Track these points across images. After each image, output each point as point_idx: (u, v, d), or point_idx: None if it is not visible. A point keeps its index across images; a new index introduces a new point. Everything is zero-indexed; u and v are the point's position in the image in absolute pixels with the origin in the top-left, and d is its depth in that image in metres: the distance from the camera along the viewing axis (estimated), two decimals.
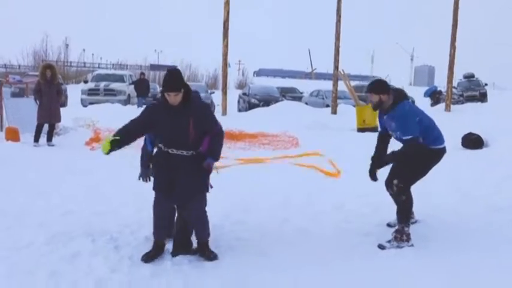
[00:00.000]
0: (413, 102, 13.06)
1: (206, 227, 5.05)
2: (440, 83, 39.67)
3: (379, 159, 5.82)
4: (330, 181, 8.61)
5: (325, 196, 7.52)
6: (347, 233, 5.88)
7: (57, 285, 4.30)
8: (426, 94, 30.63)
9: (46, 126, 12.26)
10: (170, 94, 4.66)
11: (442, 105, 24.46)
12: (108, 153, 4.74)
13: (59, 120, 12.55)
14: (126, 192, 7.46)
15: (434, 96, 29.51)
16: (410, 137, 5.39)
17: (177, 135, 4.78)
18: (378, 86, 5.65)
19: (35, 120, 12.15)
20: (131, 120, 4.91)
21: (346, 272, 4.74)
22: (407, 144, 5.45)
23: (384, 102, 5.59)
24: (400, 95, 5.65)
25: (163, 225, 5.06)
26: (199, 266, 4.84)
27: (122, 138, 4.77)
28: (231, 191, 7.34)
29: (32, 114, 12.45)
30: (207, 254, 5.01)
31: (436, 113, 18.90)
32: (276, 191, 7.75)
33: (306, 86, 38.66)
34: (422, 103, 24.70)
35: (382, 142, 5.94)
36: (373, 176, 5.82)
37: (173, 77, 4.68)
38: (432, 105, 27.77)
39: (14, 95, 16.42)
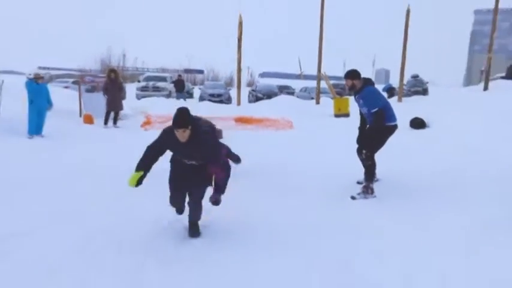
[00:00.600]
0: None
1: (199, 212, 4.31)
2: (394, 81, 39.38)
3: (362, 128, 5.86)
4: (315, 148, 8.59)
5: (317, 164, 7.60)
6: (329, 188, 5.97)
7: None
8: (384, 90, 30.34)
9: (112, 114, 12.30)
10: (178, 130, 3.87)
11: (395, 98, 24.26)
12: (136, 186, 3.99)
13: (122, 109, 12.56)
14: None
15: (390, 91, 29.27)
16: (376, 109, 5.40)
17: (189, 156, 4.12)
18: (352, 73, 5.63)
19: (104, 109, 12.20)
20: (148, 148, 4.12)
21: (330, 215, 4.83)
22: (375, 117, 5.41)
23: (356, 85, 5.58)
24: (367, 81, 5.64)
25: (176, 203, 4.44)
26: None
27: (145, 172, 4.05)
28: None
29: (101, 105, 12.49)
30: (193, 230, 4.24)
31: (391, 104, 18.83)
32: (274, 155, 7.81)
33: (297, 84, 38.33)
34: None
35: (362, 117, 5.92)
36: (358, 141, 5.86)
37: (181, 115, 3.91)
38: (388, 97, 27.48)
39: (87, 91, 16.43)
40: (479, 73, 37.00)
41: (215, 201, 3.93)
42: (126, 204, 4.97)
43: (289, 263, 3.62)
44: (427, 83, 32.14)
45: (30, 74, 9.59)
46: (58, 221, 4.45)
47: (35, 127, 9.52)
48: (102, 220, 4.49)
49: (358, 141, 5.90)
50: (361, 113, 5.91)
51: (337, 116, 15.84)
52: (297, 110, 16.75)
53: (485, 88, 19.08)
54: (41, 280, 3.23)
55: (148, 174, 4.02)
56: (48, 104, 9.84)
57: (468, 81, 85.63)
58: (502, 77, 23.79)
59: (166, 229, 4.32)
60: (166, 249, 3.87)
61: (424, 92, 30.30)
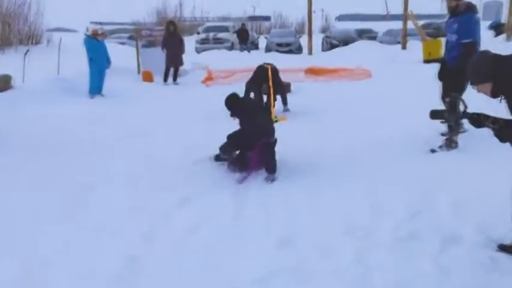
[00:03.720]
0: None
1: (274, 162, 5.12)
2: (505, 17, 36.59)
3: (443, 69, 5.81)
4: (395, 103, 8.74)
5: (392, 114, 7.80)
6: (410, 140, 6.23)
7: (194, 177, 5.04)
8: (490, 26, 28.63)
9: (172, 70, 13.01)
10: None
11: (503, 36, 22.88)
12: None
13: (182, 64, 13.24)
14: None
15: (498, 28, 27.55)
16: (469, 40, 5.37)
17: None
18: None
19: (163, 65, 12.91)
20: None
21: (408, 167, 5.14)
22: (463, 50, 5.32)
23: (459, 6, 5.56)
24: (472, 7, 5.60)
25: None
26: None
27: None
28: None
29: (160, 60, 13.14)
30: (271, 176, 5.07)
31: (497, 43, 17.96)
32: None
33: (380, 27, 37.04)
34: (486, 36, 23.18)
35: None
36: (439, 76, 5.85)
37: (225, 103, 5.34)
38: (495, 36, 26.00)
39: (144, 46, 17.28)
40: None
41: (272, 180, 4.97)
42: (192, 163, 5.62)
43: (356, 205, 4.09)
44: None
45: (88, 31, 10.51)
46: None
47: (97, 87, 10.54)
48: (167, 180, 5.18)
49: (440, 77, 5.87)
50: (446, 44, 5.85)
51: (426, 61, 15.41)
52: (378, 57, 16.61)
53: None
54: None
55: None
56: (107, 61, 10.79)
57: None
58: None
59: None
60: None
61: None
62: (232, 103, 5.39)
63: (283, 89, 8.68)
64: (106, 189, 4.80)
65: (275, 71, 8.40)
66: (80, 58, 11.02)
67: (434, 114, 3.63)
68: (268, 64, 8.52)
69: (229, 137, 5.35)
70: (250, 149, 5.16)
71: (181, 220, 4.05)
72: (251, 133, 5.12)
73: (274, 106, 7.86)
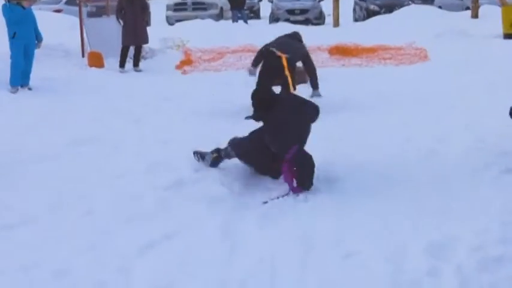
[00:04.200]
0: None
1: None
2: None
3: None
4: (461, 97, 8.84)
5: (455, 114, 7.89)
6: (478, 153, 6.30)
7: (166, 210, 5.10)
8: None
9: (132, 50, 13.19)
10: None
11: None
12: None
13: (146, 42, 13.36)
14: (224, 116, 8.28)
15: None
16: None
17: None
18: None
19: (119, 43, 13.05)
20: None
21: (470, 197, 5.20)
22: None
23: None
24: None
25: None
26: None
27: None
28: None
29: (115, 36, 13.33)
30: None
31: None
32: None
33: None
34: None
35: None
36: None
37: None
38: None
39: (91, 14, 17.35)
40: None
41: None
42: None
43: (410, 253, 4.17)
44: None
45: None
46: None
47: (21, 75, 10.57)
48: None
49: None
50: None
51: (508, 36, 15.59)
52: (437, 29, 16.74)
53: None
54: None
55: None
56: (37, 38, 10.85)
57: None
58: None
59: None
60: None
61: None
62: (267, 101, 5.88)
63: (312, 70, 9.05)
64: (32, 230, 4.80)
65: (292, 62, 8.66)
66: None
67: None
68: (281, 49, 8.71)
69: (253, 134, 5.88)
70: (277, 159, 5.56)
71: (144, 275, 4.07)
72: (281, 141, 5.55)
73: None
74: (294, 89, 8.37)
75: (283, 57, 8.54)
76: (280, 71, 8.44)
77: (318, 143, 5.99)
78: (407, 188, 5.45)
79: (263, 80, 8.56)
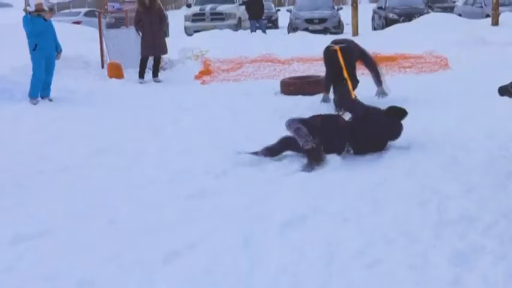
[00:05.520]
0: None
1: None
2: None
3: None
4: (483, 104, 8.80)
5: (477, 121, 7.87)
6: (502, 161, 6.28)
7: (190, 219, 5.13)
8: None
9: (151, 60, 13.26)
10: None
11: None
12: None
13: (165, 52, 13.49)
14: (244, 126, 8.36)
15: None
16: None
17: None
18: None
19: (139, 53, 13.17)
20: None
21: (494, 206, 5.17)
22: None
23: None
24: None
25: None
26: None
27: None
28: None
29: (134, 47, 13.51)
30: None
31: None
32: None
33: None
34: None
35: None
36: None
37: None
38: None
39: (110, 25, 17.50)
40: None
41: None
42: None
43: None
44: None
45: (30, 6, 10.68)
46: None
47: (42, 86, 10.71)
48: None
49: None
50: None
51: None
52: (457, 37, 16.68)
53: None
54: None
55: None
56: (57, 49, 10.98)
57: None
58: None
59: None
60: None
61: None
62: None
63: (372, 64, 9.58)
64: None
65: (348, 51, 9.17)
66: (17, 45, 11.22)
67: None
68: (337, 43, 9.43)
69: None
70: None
71: (167, 285, 4.09)
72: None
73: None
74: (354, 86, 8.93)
75: (338, 48, 9.08)
76: (337, 63, 8.94)
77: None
78: (429, 195, 5.44)
79: (326, 78, 9.37)
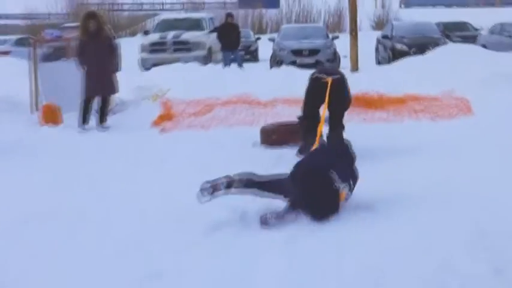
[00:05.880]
0: None
1: None
2: None
3: None
4: None
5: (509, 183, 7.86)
6: None
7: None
8: None
9: (96, 102, 13.25)
10: None
11: None
12: None
13: (115, 92, 13.51)
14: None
15: None
16: None
17: None
18: None
19: (81, 93, 13.12)
20: None
21: None
22: None
23: None
24: None
25: None
26: None
27: None
28: None
29: (76, 84, 13.34)
30: None
31: None
32: None
33: (484, 19, 37.93)
34: None
35: None
36: None
37: None
38: None
39: (46, 57, 17.37)
40: None
41: None
42: None
43: None
44: None
45: None
46: None
47: None
48: None
49: None
50: None
51: None
52: (482, 74, 16.83)
53: None
54: None
55: None
56: None
57: None
58: None
59: None
60: None
61: None
62: None
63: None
64: None
65: (340, 86, 9.46)
66: None
67: None
68: (327, 74, 9.59)
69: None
70: None
71: None
72: None
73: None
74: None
75: (329, 80, 9.28)
76: (322, 97, 9.17)
77: None
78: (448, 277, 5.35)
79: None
